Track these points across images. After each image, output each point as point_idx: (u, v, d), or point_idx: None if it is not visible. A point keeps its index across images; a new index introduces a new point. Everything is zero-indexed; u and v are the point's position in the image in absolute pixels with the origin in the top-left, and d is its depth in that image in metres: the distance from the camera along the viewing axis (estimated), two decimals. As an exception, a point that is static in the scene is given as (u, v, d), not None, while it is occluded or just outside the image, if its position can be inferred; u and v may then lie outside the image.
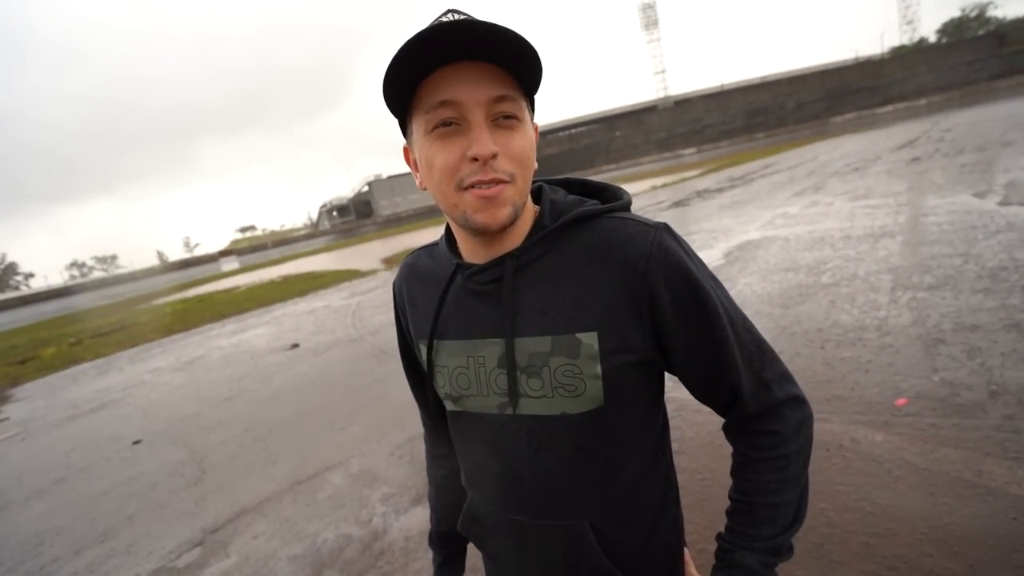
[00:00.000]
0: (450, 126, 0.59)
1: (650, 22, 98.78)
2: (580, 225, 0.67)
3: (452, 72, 0.57)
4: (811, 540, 1.86)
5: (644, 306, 0.63)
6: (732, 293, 4.77)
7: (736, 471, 0.72)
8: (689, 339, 0.65)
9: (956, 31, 70.21)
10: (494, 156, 0.58)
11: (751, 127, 66.66)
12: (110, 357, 8.98)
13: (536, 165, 0.66)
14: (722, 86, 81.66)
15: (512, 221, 0.63)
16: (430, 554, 0.96)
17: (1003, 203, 5.93)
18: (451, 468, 0.91)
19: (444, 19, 0.57)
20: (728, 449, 0.74)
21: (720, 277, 5.78)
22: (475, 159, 0.58)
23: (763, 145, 39.03)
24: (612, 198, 0.72)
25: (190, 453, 3.91)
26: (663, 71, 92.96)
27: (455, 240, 0.74)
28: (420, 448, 3.17)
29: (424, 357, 0.76)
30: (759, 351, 0.68)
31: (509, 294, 0.66)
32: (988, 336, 3.01)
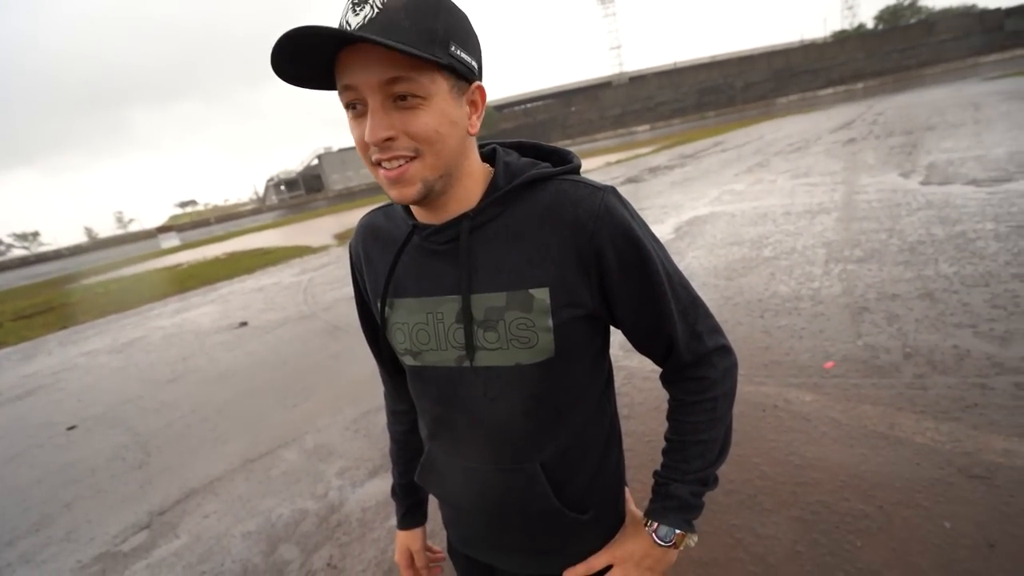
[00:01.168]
0: (356, 108, 0.61)
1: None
2: (533, 187, 0.70)
3: (350, 55, 0.58)
4: (745, 492, 2.01)
5: (591, 263, 0.67)
6: (681, 266, 4.91)
7: (671, 414, 0.79)
8: (631, 294, 0.70)
9: (891, 18, 73.76)
10: (389, 139, 0.60)
11: (702, 105, 68.20)
12: (36, 340, 8.36)
13: (474, 130, 0.66)
14: (675, 64, 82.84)
15: (425, 196, 0.65)
16: (393, 506, 1.00)
17: (924, 183, 6.40)
18: (411, 423, 0.95)
19: None
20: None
21: (670, 251, 5.94)
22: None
23: (713, 124, 40.09)
24: (562, 161, 0.75)
25: (132, 436, 3.74)
26: (618, 47, 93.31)
27: None
28: (376, 421, 3.18)
29: (379, 315, 0.78)
30: (693, 306, 0.74)
31: (466, 253, 0.68)
32: (905, 304, 3.29)
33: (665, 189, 10.45)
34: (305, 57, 0.58)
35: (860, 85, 53.29)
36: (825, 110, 27.47)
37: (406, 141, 0.60)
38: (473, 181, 0.70)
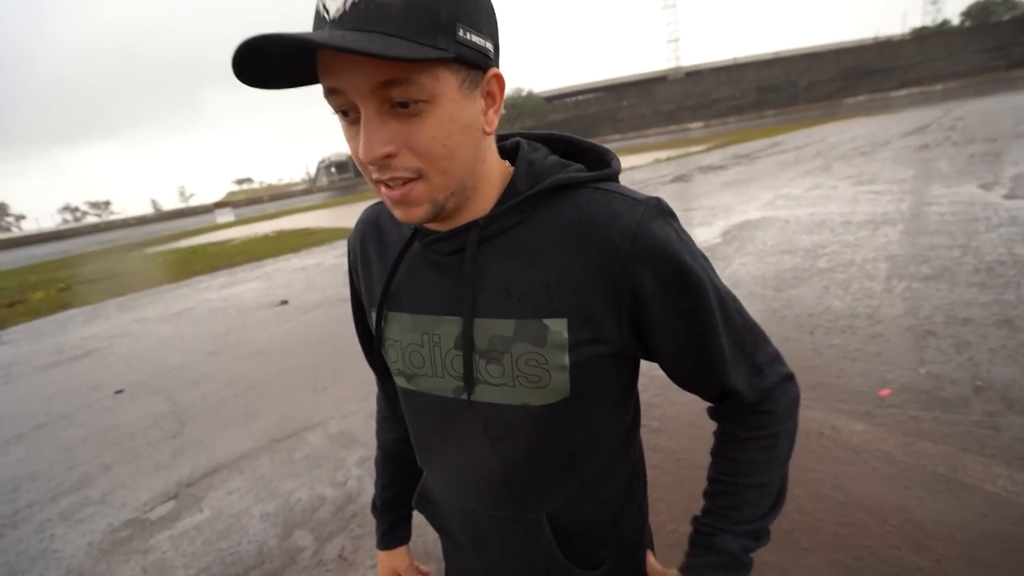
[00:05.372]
0: (348, 115, 0.50)
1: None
2: (558, 194, 0.59)
3: (332, 53, 0.46)
4: (782, 527, 1.85)
5: (624, 294, 0.56)
6: (726, 273, 4.73)
7: (719, 450, 0.68)
8: (676, 331, 0.59)
9: (982, 14, 67.94)
10: (391, 155, 0.49)
11: (761, 104, 65.30)
12: (98, 305, 8.90)
13: (490, 128, 0.55)
14: (735, 60, 79.59)
15: (436, 215, 0.55)
16: (373, 523, 0.92)
17: (1008, 196, 5.83)
18: (402, 431, 0.86)
19: None
20: (708, 430, 0.70)
21: (716, 256, 5.70)
22: None
23: (772, 123, 38.28)
24: (599, 163, 0.63)
25: (171, 405, 3.89)
26: (676, 40, 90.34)
27: None
28: (400, 413, 3.16)
29: (373, 325, 0.69)
30: (751, 334, 0.64)
31: (471, 268, 0.58)
32: (979, 331, 2.98)
33: (715, 190, 10.02)
34: (275, 60, 0.47)
35: (938, 87, 49.58)
36: (897, 113, 25.71)
37: (408, 158, 0.50)
38: (489, 185, 0.59)
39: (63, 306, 9.26)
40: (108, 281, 11.57)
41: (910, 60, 58.70)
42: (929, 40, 61.68)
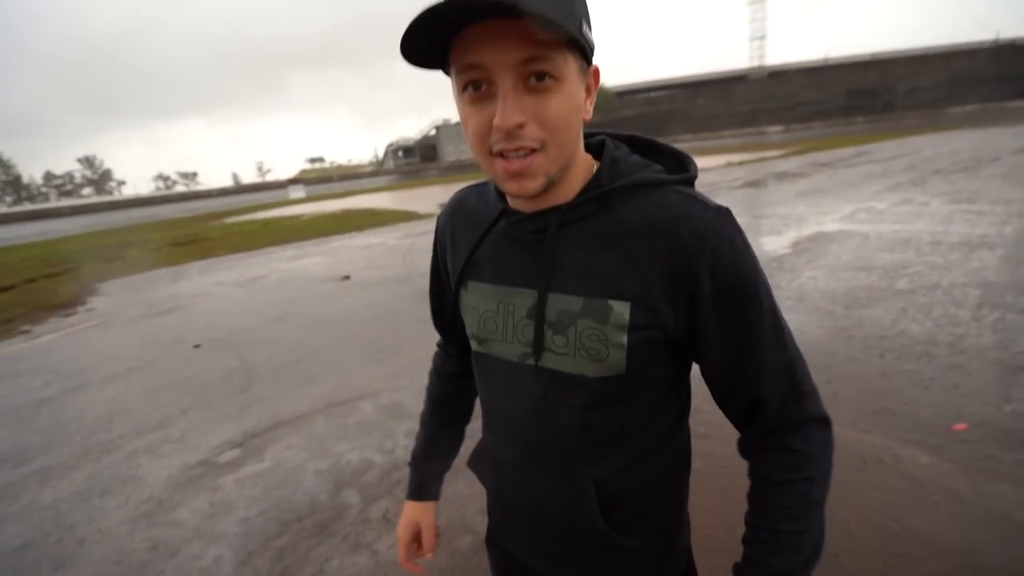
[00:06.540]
0: (480, 89, 0.56)
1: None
2: (637, 191, 0.64)
3: (479, 31, 0.53)
4: (828, 549, 1.78)
5: (684, 288, 0.60)
6: (793, 286, 4.52)
7: (755, 495, 0.68)
8: (722, 334, 0.62)
9: (1125, 19, 59.75)
10: (521, 126, 0.55)
11: (851, 109, 60.88)
12: (183, 266, 9.72)
13: (588, 116, 0.62)
14: (825, 60, 74.45)
15: (545, 190, 0.61)
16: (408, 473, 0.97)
17: None
18: (454, 388, 0.94)
19: None
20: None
21: (783, 267, 5.43)
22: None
23: (861, 131, 35.68)
24: (678, 167, 0.68)
25: (241, 363, 4.22)
26: (762, 37, 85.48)
27: None
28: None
29: (452, 293, 0.78)
30: (800, 363, 0.65)
31: (551, 248, 0.65)
32: (1080, 372, 2.69)
33: (789, 199, 9.51)
34: (428, 34, 0.54)
35: (1064, 99, 44.18)
36: (1012, 126, 23.22)
37: (535, 130, 0.56)
38: (578, 171, 0.65)
39: (154, 265, 10.19)
40: (193, 245, 12.58)
41: (1033, 67, 52.64)
42: (1058, 46, 55.07)
